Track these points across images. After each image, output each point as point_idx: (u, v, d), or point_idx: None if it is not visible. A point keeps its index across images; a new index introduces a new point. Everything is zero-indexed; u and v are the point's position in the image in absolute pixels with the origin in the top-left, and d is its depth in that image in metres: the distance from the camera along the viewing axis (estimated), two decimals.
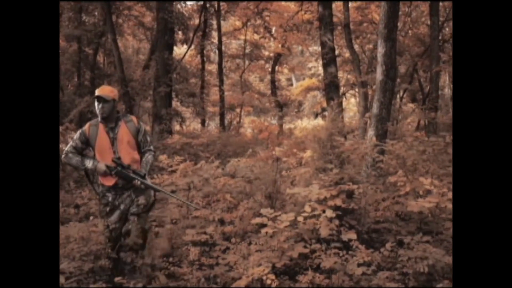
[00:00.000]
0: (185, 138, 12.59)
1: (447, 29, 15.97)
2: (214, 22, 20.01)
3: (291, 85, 32.28)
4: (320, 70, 15.78)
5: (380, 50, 6.52)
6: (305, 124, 21.78)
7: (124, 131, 3.78)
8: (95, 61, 19.22)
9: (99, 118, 3.76)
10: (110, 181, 3.73)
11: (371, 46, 18.03)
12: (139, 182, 3.67)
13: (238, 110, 22.75)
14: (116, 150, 3.73)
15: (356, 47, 16.82)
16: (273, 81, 21.95)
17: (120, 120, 3.81)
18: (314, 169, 5.19)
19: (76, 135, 3.77)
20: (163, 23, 14.53)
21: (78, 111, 14.65)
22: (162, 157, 6.56)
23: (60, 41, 16.25)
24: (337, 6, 16.78)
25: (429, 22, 13.30)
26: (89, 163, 3.70)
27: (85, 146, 3.78)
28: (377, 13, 15.94)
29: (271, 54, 22.36)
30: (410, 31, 17.25)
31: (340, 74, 19.58)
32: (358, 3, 17.30)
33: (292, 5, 19.38)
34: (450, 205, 3.73)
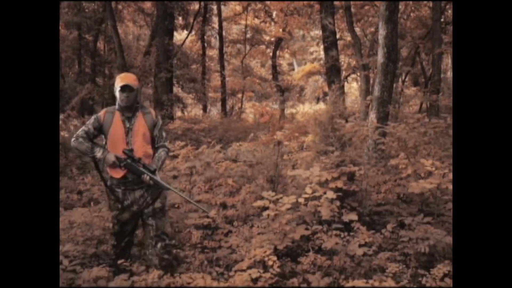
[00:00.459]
0: (187, 124, 12.57)
1: (449, 11, 15.81)
2: (214, 7, 19.87)
3: (293, 70, 32.15)
4: (322, 54, 15.65)
5: (382, 32, 6.48)
6: (307, 109, 21.74)
7: (141, 123, 3.57)
8: (95, 48, 19.18)
9: (116, 106, 3.58)
10: (118, 174, 3.52)
11: (372, 29, 17.88)
12: (147, 177, 3.45)
13: (239, 95, 22.68)
14: (130, 141, 3.53)
15: (357, 30, 16.69)
16: (274, 66, 21.78)
17: (138, 111, 3.60)
18: (316, 153, 5.18)
19: (90, 120, 3.57)
20: (163, 8, 14.44)
21: (79, 98, 14.69)
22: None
23: (60, 28, 16.17)
24: None
25: (431, 4, 13.17)
26: (98, 152, 3.49)
27: (98, 132, 3.56)
28: None
29: (272, 39, 22.14)
30: (412, 14, 17.09)
31: (342, 58, 19.47)
32: None
33: None
34: (451, 186, 3.72)
